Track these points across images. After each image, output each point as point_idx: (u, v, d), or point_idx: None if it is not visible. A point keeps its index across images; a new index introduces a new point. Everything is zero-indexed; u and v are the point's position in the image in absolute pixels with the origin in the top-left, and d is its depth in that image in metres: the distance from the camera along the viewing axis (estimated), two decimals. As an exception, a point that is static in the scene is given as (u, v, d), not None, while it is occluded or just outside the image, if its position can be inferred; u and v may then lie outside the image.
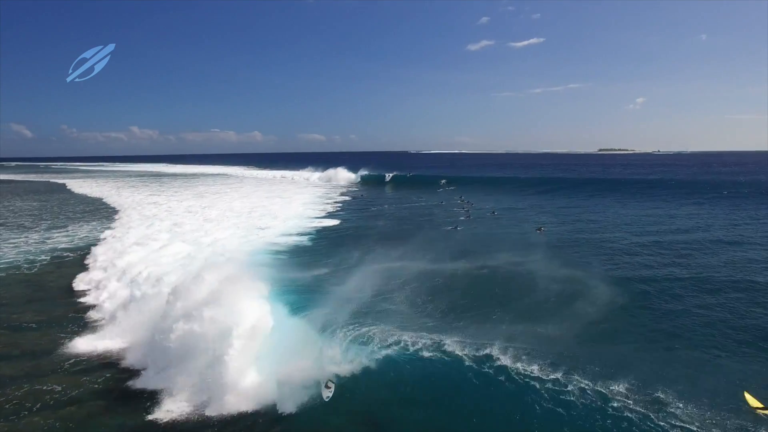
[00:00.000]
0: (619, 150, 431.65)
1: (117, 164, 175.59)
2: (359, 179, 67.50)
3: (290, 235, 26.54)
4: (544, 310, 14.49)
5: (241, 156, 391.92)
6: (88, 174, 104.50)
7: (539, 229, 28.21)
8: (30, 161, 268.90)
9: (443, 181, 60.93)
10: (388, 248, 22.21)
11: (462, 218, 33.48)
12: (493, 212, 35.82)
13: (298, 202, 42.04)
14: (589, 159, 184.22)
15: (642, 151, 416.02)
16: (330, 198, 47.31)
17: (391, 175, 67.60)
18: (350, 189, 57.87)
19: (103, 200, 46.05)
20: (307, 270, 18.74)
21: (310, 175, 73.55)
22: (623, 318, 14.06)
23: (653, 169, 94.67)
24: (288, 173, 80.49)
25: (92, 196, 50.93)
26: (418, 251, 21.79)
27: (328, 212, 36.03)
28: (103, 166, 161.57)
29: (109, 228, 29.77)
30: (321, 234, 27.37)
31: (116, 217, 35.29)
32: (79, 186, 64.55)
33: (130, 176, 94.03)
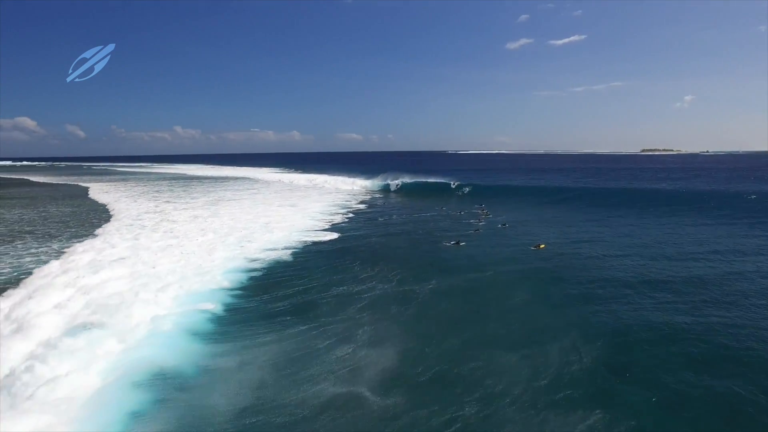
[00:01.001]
0: (664, 150, 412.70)
1: (155, 165, 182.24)
2: (382, 186, 64.86)
3: (274, 250, 25.83)
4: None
5: (279, 156, 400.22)
6: (122, 176, 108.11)
7: (538, 246, 26.45)
8: (81, 161, 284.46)
9: (467, 189, 58.00)
10: (365, 269, 21.95)
11: (471, 231, 32.11)
12: (504, 225, 34.36)
13: (308, 212, 41.49)
14: (629, 160, 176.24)
15: (689, 152, 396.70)
16: (345, 207, 46.30)
17: (400, 182, 64.18)
18: (369, 197, 56.43)
19: (107, 208, 45.76)
20: (224, 343, 14.38)
21: (342, 181, 71.07)
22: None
23: (692, 173, 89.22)
24: (321, 177, 78.14)
25: (101, 202, 51.14)
26: (395, 272, 21.43)
27: (332, 224, 35.21)
28: (142, 167, 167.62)
29: (65, 250, 26.04)
30: (305, 252, 26.05)
31: (97, 232, 31.37)
32: (101, 190, 65.71)
33: (163, 178, 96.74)
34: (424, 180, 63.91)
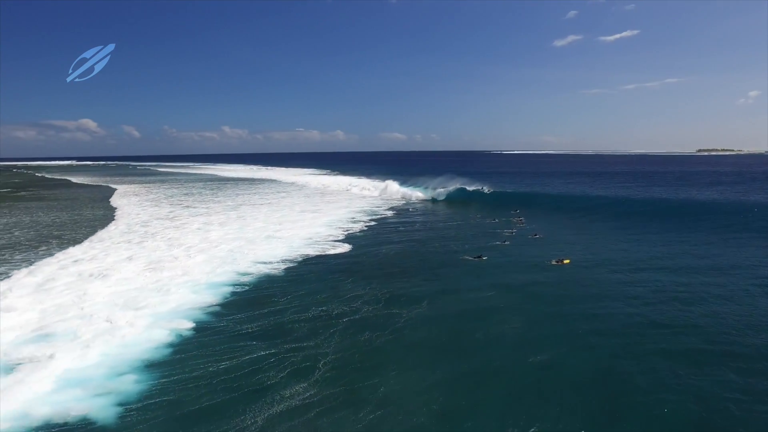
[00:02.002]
0: (723, 150, 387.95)
1: (199, 165, 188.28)
2: (417, 191, 59.16)
3: (267, 264, 24.32)
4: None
5: (322, 155, 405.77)
6: (161, 177, 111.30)
7: (561, 261, 24.17)
8: (133, 160, 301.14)
9: (505, 195, 53.55)
10: (357, 287, 20.49)
11: (498, 243, 29.89)
12: (535, 235, 32.08)
13: (328, 219, 39.74)
14: (683, 162, 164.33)
15: (751, 152, 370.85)
16: (372, 213, 44.23)
17: (438, 189, 58.07)
18: (401, 203, 53.78)
19: (115, 214, 44.81)
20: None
21: (375, 186, 66.75)
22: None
23: (749, 176, 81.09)
24: (357, 181, 75.23)
25: (116, 206, 50.96)
26: (388, 292, 19.87)
27: (348, 234, 33.29)
28: (186, 167, 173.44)
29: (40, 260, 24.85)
30: (301, 267, 24.34)
31: (81, 256, 26.51)
32: (129, 193, 66.69)
33: (199, 179, 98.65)
34: (461, 186, 57.44)
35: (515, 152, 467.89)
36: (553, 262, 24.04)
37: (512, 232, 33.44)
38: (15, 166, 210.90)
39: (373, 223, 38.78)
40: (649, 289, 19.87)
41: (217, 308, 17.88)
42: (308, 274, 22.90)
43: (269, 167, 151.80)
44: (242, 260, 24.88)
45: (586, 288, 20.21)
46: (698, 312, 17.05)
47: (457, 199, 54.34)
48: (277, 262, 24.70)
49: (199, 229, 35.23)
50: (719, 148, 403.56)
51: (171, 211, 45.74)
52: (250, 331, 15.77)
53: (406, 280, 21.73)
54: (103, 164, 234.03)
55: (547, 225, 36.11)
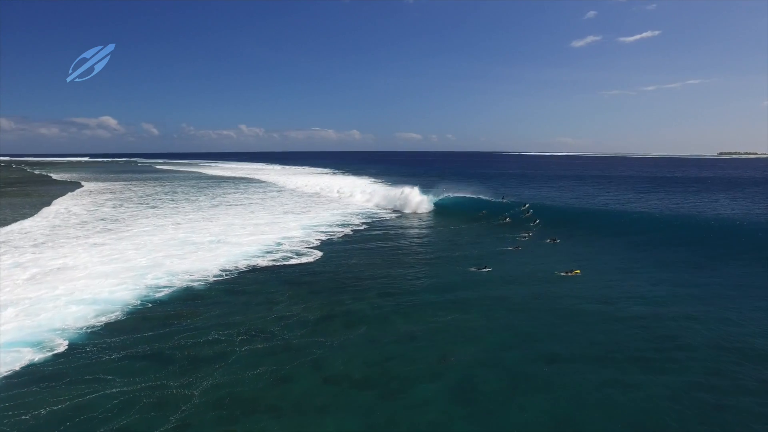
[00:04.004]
0: (745, 153, 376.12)
1: (205, 163, 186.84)
2: (425, 195, 46.73)
3: (189, 275, 20.68)
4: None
5: (338, 154, 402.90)
6: (155, 175, 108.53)
7: (570, 272, 21.75)
8: (152, 157, 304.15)
9: (526, 206, 41.19)
10: (308, 304, 17.09)
11: (510, 248, 27.17)
12: (554, 240, 29.45)
13: (304, 222, 35.52)
14: (704, 167, 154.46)
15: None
16: (369, 215, 40.03)
17: (444, 195, 47.54)
18: (405, 209, 45.54)
19: (37, 214, 41.12)
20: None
21: (377, 187, 58.01)
22: None
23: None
24: (360, 181, 68.30)
25: (55, 204, 47.05)
26: (331, 310, 16.66)
27: (326, 238, 29.28)
28: (192, 164, 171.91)
29: None
30: (241, 280, 20.66)
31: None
32: (95, 191, 62.87)
33: (192, 177, 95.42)
34: (469, 196, 47.47)
35: (531, 153, 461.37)
36: (563, 273, 21.64)
37: (526, 236, 30.77)
38: (25, 162, 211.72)
39: (361, 226, 34.62)
40: (669, 312, 16.16)
41: (94, 329, 14.93)
42: (236, 289, 19.43)
43: (272, 165, 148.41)
44: (169, 269, 21.53)
45: (584, 308, 17.16)
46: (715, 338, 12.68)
47: (468, 207, 43.59)
48: (210, 273, 21.29)
49: (157, 228, 31.55)
50: (741, 151, 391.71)
51: (123, 212, 41.74)
52: (116, 358, 13.02)
53: (355, 297, 18.27)
54: (111, 161, 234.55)
55: (565, 232, 32.00)
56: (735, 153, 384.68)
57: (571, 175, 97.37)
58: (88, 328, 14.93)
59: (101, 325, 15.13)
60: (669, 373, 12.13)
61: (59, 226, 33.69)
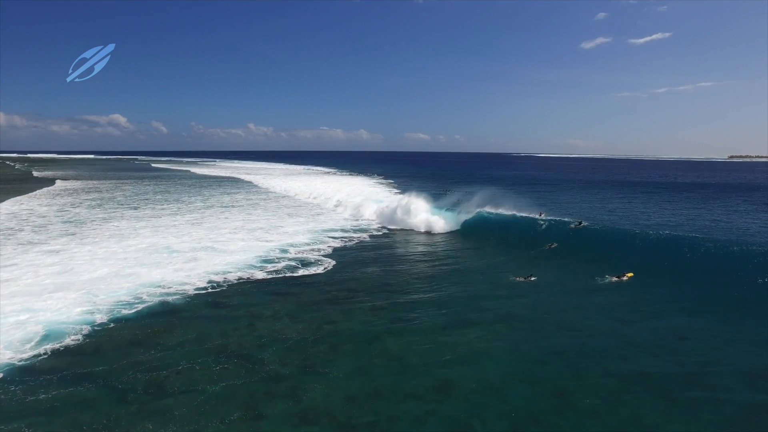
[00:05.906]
0: (756, 157, 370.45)
1: (209, 161, 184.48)
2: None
3: (170, 287, 17.15)
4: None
5: (345, 154, 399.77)
6: (152, 173, 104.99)
7: (621, 277, 19.86)
8: (161, 155, 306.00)
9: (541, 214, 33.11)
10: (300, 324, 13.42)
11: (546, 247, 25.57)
12: (579, 224, 28.28)
13: (302, 227, 31.41)
14: (716, 171, 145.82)
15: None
16: (361, 230, 33.46)
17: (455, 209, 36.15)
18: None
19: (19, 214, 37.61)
20: None
21: (382, 193, 51.10)
22: None
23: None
24: (361, 186, 62.26)
25: (13, 203, 43.16)
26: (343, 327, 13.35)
27: (327, 250, 25.02)
28: (194, 162, 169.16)
29: None
30: (220, 294, 17.28)
31: None
32: (69, 190, 59.28)
33: (188, 177, 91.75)
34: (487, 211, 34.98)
35: (542, 155, 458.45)
36: (615, 279, 19.72)
37: (550, 246, 26.63)
38: (26, 159, 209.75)
39: (371, 234, 30.45)
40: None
41: (37, 357, 12.54)
42: (216, 302, 16.78)
43: (272, 164, 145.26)
44: (136, 280, 18.64)
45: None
46: None
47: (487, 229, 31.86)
48: (191, 286, 18.31)
49: (110, 237, 27.49)
50: (752, 155, 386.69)
51: (98, 213, 37.77)
52: (60, 395, 10.82)
53: (346, 316, 15.74)
54: (116, 158, 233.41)
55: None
56: (746, 156, 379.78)
57: (599, 180, 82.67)
58: (28, 356, 12.54)
59: (45, 353, 12.74)
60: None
61: (11, 228, 29.65)
